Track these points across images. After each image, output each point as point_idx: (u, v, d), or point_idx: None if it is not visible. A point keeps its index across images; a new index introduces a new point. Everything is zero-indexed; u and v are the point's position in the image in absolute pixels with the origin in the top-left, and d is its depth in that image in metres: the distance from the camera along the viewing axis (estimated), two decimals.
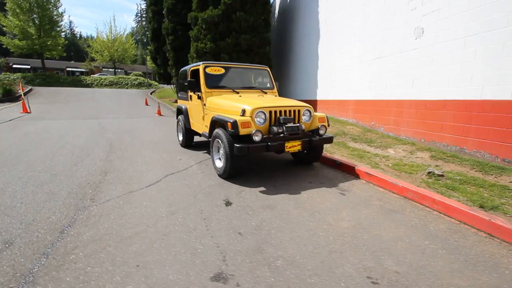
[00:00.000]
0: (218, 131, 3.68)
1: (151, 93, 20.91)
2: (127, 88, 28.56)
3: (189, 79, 5.08)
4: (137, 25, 65.26)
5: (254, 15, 11.29)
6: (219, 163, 3.84)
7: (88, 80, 28.23)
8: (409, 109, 5.49)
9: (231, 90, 4.58)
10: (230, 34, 11.34)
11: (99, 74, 34.99)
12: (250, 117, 3.44)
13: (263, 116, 3.52)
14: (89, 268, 1.84)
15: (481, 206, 2.71)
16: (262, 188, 3.35)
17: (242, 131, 3.32)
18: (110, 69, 38.42)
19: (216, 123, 3.95)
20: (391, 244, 2.16)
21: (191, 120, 5.27)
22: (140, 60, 49.48)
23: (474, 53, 4.17)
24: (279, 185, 3.48)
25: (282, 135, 3.53)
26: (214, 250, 2.05)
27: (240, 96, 4.29)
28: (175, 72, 15.06)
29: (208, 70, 4.55)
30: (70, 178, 3.66)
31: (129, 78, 30.76)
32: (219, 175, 3.78)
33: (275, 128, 3.51)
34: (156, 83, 32.70)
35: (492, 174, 3.53)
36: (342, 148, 5.18)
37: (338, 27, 8.06)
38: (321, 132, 3.85)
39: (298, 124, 3.67)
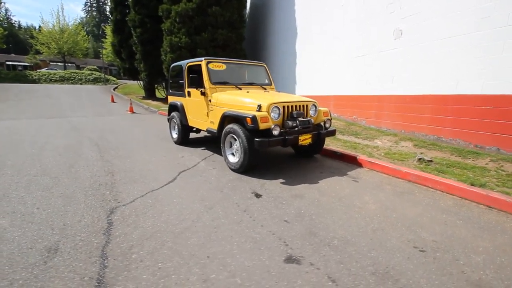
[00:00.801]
0: (233, 126, 3.73)
1: (114, 89, 19.57)
2: (81, 84, 26.35)
3: (186, 75, 5.01)
4: (86, 15, 59.87)
5: (230, 10, 11.26)
6: (233, 158, 3.90)
7: (35, 75, 25.42)
8: (389, 103, 6.06)
9: (234, 86, 4.63)
10: (206, 29, 11.17)
11: (47, 69, 31.56)
12: (267, 112, 3.56)
13: (277, 111, 3.67)
14: (160, 264, 1.84)
15: (472, 184, 3.20)
16: (281, 180, 3.51)
17: (262, 126, 3.43)
18: (59, 63, 34.92)
19: (227, 118, 3.99)
20: (418, 219, 2.50)
21: (188, 117, 5.19)
22: (92, 53, 45.63)
23: (449, 53, 4.78)
24: (295, 176, 3.68)
25: (296, 129, 3.72)
26: (272, 237, 2.17)
27: (248, 92, 4.38)
28: (143, 67, 14.34)
29: (210, 66, 4.54)
30: (76, 180, 3.43)
31: (82, 73, 28.38)
32: (233, 169, 3.84)
33: (290, 122, 3.69)
34: (114, 79, 30.65)
35: (470, 158, 4.14)
36: (334, 141, 5.55)
37: (317, 26, 8.46)
38: (327, 125, 4.12)
39: (308, 118, 3.90)
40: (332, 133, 4.20)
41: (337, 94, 7.64)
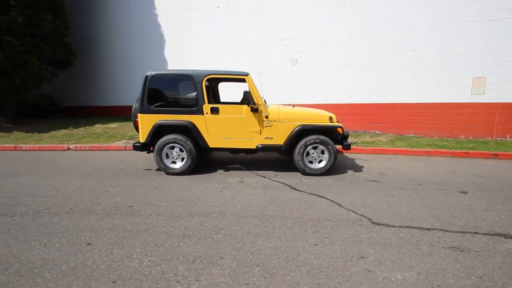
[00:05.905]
0: (319, 137, 4.28)
1: None
2: None
3: (204, 88, 4.29)
4: None
5: None
6: (313, 165, 4.40)
7: None
8: None
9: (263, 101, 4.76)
10: (10, 5, 7.34)
11: None
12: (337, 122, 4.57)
13: None
14: None
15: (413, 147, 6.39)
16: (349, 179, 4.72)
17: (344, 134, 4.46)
18: None
19: (304, 132, 4.33)
20: (429, 168, 5.08)
21: (211, 138, 4.36)
22: None
23: (333, 79, 7.93)
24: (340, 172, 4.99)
25: None
26: None
27: (294, 106, 4.80)
28: None
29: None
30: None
31: None
32: (318, 174, 4.35)
33: None
34: None
35: (364, 138, 7.53)
36: None
37: (198, 38, 8.86)
38: None
39: None
40: None
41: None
